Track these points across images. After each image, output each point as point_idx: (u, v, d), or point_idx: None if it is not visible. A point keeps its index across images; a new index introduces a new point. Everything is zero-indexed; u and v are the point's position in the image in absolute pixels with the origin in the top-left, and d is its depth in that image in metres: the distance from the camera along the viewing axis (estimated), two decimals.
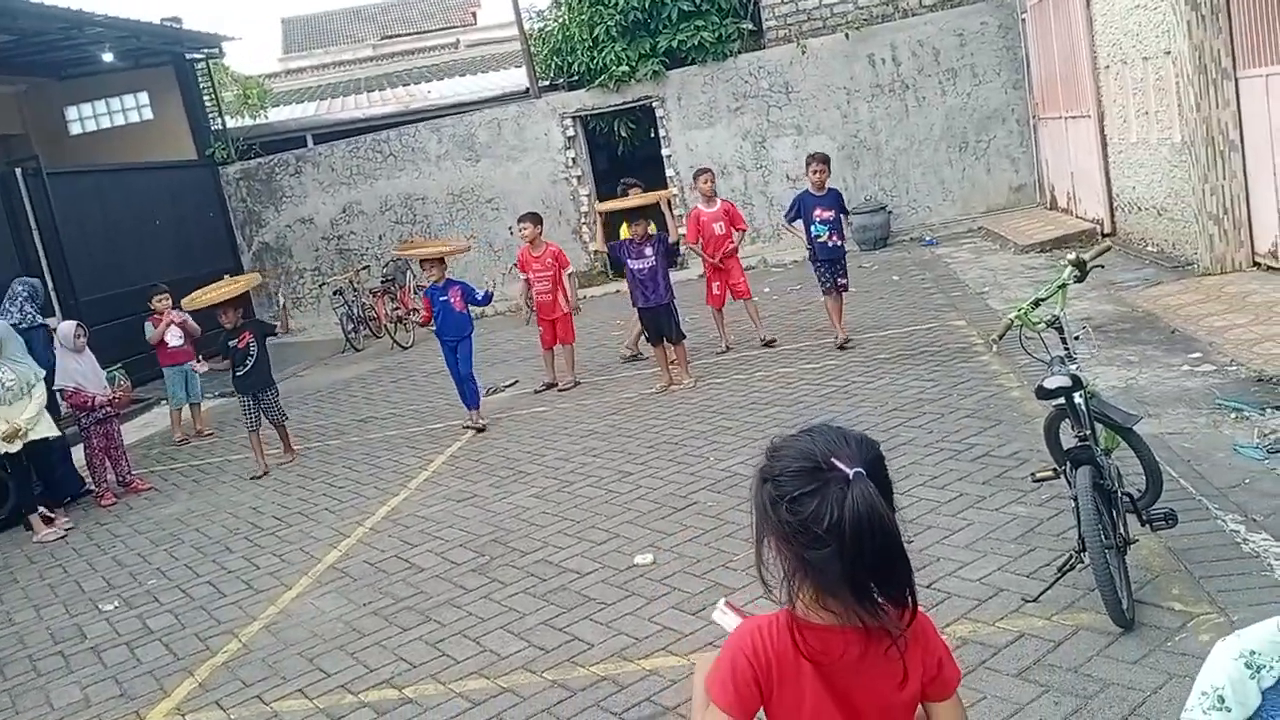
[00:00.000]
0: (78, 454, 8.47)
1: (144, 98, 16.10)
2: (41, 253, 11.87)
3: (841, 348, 8.25)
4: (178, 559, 6.41)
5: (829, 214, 8.33)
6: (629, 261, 8.34)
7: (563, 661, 4.11)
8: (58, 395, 8.25)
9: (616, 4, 14.27)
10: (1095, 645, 3.45)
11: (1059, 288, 4.10)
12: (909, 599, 1.57)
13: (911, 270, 11.61)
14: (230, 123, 16.91)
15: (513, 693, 3.95)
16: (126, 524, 7.47)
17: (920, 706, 1.68)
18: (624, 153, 15.73)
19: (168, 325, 9.59)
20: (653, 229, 8.29)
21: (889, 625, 1.55)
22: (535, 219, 9.09)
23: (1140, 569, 3.86)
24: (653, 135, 15.20)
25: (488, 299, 8.87)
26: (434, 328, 8.41)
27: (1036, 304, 4.08)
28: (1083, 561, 3.59)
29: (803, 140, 14.37)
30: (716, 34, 14.38)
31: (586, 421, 7.78)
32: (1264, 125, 7.77)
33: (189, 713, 4.34)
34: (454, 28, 32.88)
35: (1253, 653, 1.47)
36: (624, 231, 8.94)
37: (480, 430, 8.04)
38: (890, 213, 14.22)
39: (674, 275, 9.15)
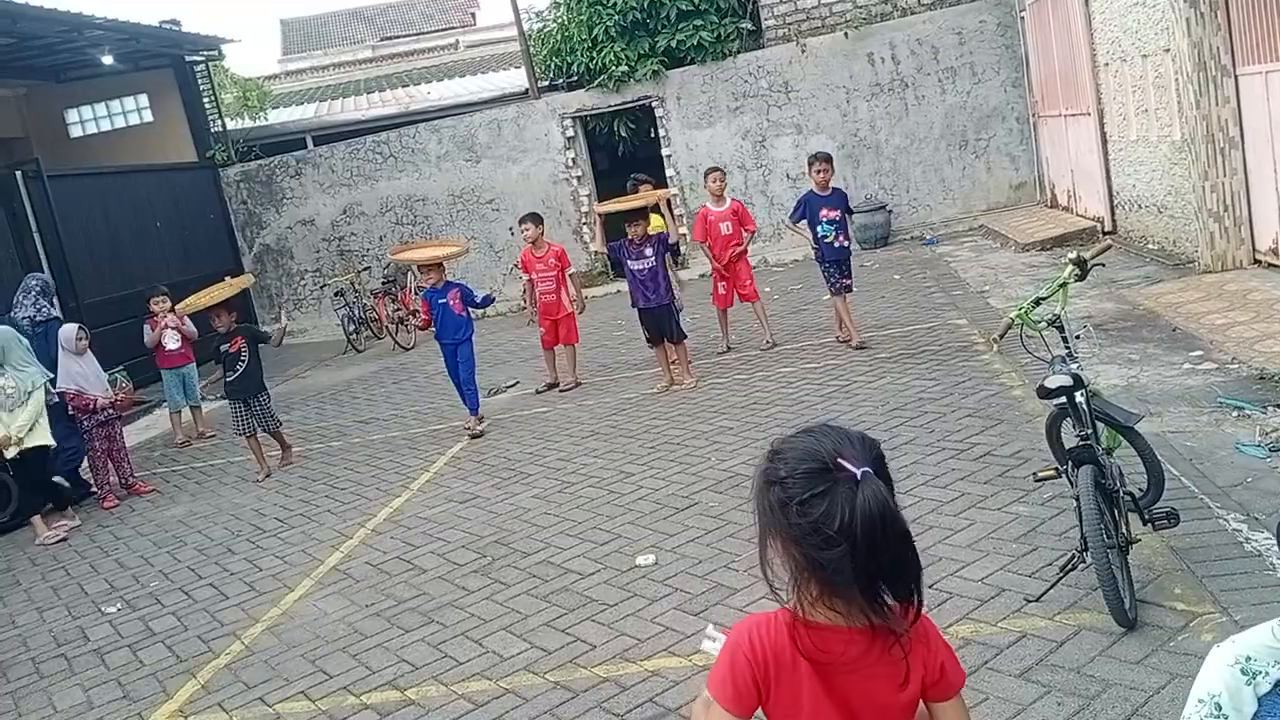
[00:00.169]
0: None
1: (144, 100, 16.10)
2: (42, 255, 11.87)
3: (861, 347, 8.17)
4: (180, 561, 6.42)
5: (835, 213, 8.27)
6: (628, 262, 8.32)
7: (565, 663, 4.12)
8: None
9: (615, 4, 14.27)
10: (1098, 645, 3.45)
11: (1060, 286, 4.10)
12: (916, 597, 1.58)
13: (912, 269, 11.61)
14: (230, 125, 16.91)
15: (515, 694, 3.95)
16: (129, 526, 7.48)
17: (924, 706, 1.68)
18: (624, 153, 15.73)
19: (164, 329, 9.60)
20: (656, 222, 8.26)
21: (894, 624, 1.56)
22: (537, 219, 9.08)
23: (1142, 568, 3.86)
24: (652, 135, 15.19)
25: (487, 302, 8.86)
26: (434, 331, 8.37)
27: (1037, 303, 4.09)
28: (1085, 561, 3.59)
29: (803, 139, 14.37)
30: (715, 33, 14.37)
31: (588, 422, 7.78)
32: (1264, 122, 7.76)
33: (191, 714, 4.34)
34: (453, 29, 32.89)
35: (1248, 659, 1.47)
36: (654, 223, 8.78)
37: (479, 436, 8.01)
38: (890, 211, 14.21)
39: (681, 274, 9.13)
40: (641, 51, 14.46)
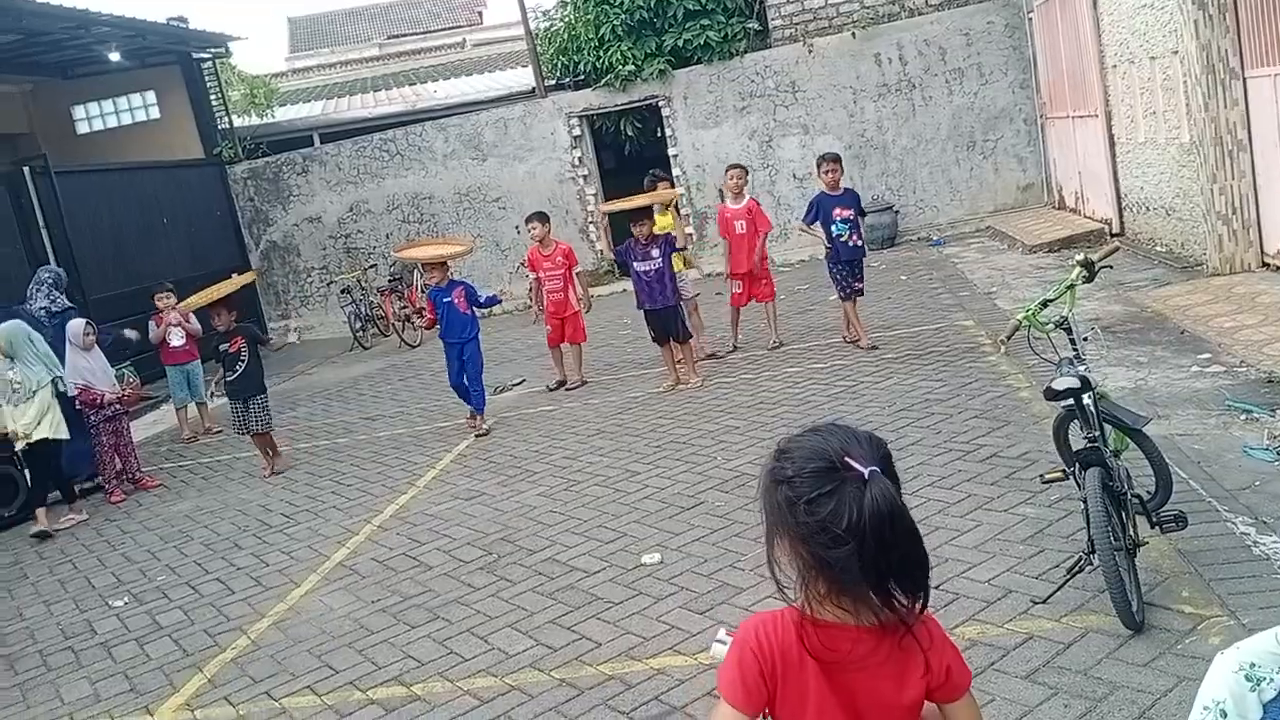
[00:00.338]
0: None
1: (151, 97, 16.13)
2: (50, 251, 11.91)
3: (872, 349, 8.14)
4: (187, 556, 6.44)
5: (848, 212, 8.21)
6: (634, 263, 8.28)
7: (571, 660, 4.12)
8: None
9: (622, 3, 14.27)
10: (1105, 648, 3.44)
11: (1067, 288, 4.09)
12: (923, 595, 1.58)
13: (919, 270, 11.60)
14: (237, 122, 16.95)
15: (520, 691, 3.96)
16: (136, 521, 7.50)
17: (936, 706, 1.68)
18: (630, 152, 15.74)
19: (167, 326, 9.63)
20: (662, 221, 8.22)
21: (904, 619, 1.57)
22: (543, 218, 9.08)
23: (1150, 571, 3.85)
24: (659, 135, 15.20)
25: (492, 302, 8.83)
26: (439, 331, 8.32)
27: (1045, 304, 4.08)
28: (1092, 563, 3.58)
29: (809, 140, 14.36)
30: (722, 33, 14.37)
31: (594, 421, 7.79)
32: (1272, 125, 7.75)
33: (198, 708, 4.35)
34: (460, 27, 32.95)
35: (1253, 665, 1.47)
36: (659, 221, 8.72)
37: (484, 434, 8.01)
38: (897, 212, 14.20)
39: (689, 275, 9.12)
40: (648, 51, 14.47)
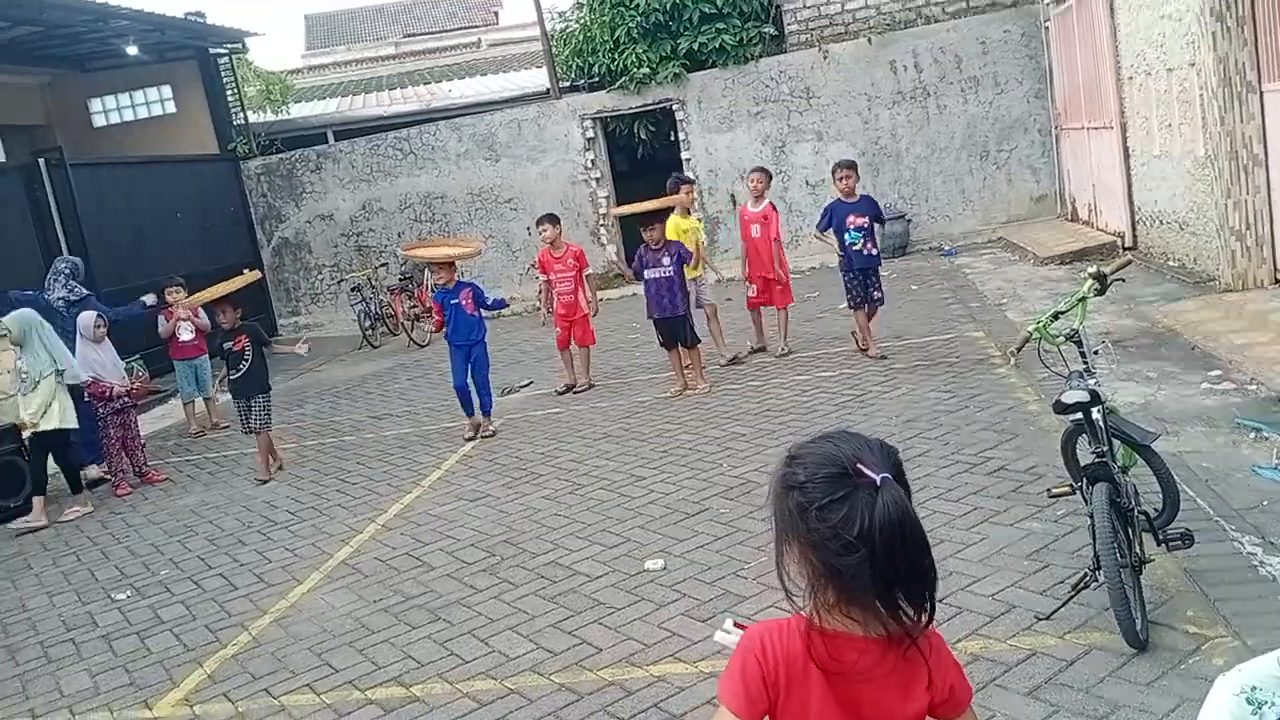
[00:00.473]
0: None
1: (167, 91, 16.21)
2: (63, 243, 11.97)
3: (883, 358, 8.11)
4: (190, 550, 6.45)
5: (862, 220, 8.15)
6: (645, 271, 8.27)
7: (571, 665, 4.11)
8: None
9: (638, 6, 14.28)
10: (1108, 666, 3.42)
11: (1078, 301, 4.07)
12: (930, 605, 1.57)
13: (930, 280, 11.57)
14: (252, 118, 17.02)
15: (520, 695, 3.95)
16: (141, 514, 7.52)
17: None
18: (643, 155, 15.74)
19: (177, 320, 9.66)
20: (672, 225, 8.18)
21: (909, 631, 1.55)
22: (554, 220, 9.08)
23: (1155, 589, 3.82)
24: (672, 138, 15.19)
25: (498, 305, 8.82)
26: (445, 333, 8.25)
27: (1056, 317, 4.06)
28: (1097, 580, 3.56)
29: (823, 146, 14.34)
30: (738, 37, 14.37)
31: (600, 424, 7.78)
32: None
33: (197, 704, 4.36)
34: (475, 27, 33.02)
35: (1254, 688, 1.45)
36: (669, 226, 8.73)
37: (490, 435, 8.01)
38: (910, 221, 14.16)
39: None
40: (663, 54, 14.48)
